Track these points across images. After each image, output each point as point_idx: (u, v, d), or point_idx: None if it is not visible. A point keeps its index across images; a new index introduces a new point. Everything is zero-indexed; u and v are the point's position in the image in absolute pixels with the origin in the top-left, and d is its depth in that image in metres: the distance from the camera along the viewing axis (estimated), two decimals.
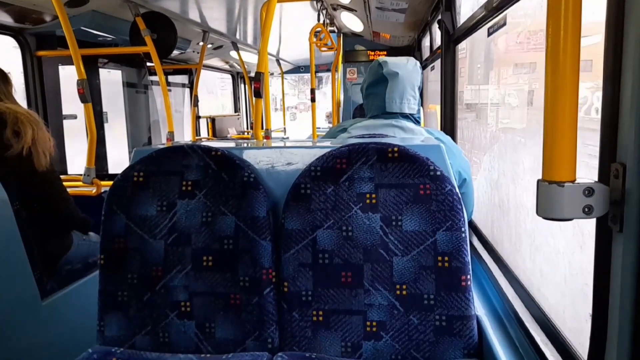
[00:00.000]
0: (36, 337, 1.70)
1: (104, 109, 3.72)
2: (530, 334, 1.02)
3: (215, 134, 5.88)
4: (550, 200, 0.65)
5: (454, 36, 2.41)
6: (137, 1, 2.94)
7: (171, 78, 5.55)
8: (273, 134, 4.57)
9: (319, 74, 7.16)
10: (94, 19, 2.99)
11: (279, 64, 6.85)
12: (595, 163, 0.70)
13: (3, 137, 1.65)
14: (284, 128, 7.22)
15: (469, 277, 1.07)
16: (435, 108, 3.63)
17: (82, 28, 2.99)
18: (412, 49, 5.65)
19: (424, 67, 4.49)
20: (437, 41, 3.26)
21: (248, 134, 6.50)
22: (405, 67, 1.54)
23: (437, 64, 3.17)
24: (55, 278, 1.85)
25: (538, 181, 0.66)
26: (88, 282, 1.95)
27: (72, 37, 2.43)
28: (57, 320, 1.80)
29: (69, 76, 3.28)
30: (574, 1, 0.61)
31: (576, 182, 0.64)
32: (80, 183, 2.49)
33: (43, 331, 1.73)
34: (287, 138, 6.66)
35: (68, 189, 1.94)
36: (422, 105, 1.62)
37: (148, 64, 4.08)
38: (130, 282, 1.18)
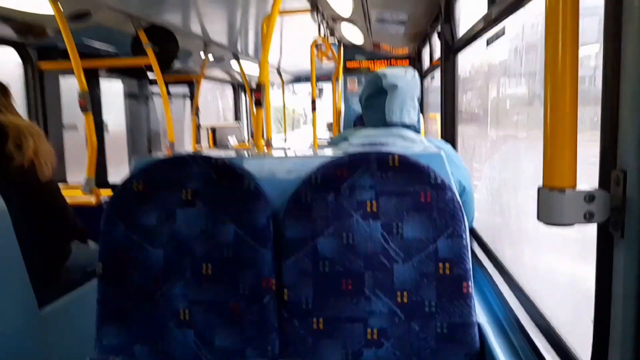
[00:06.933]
0: (34, 346, 1.69)
1: (104, 119, 3.74)
2: (532, 341, 1.01)
3: (215, 143, 5.89)
4: (551, 207, 0.65)
5: (454, 47, 2.43)
6: (139, 15, 2.96)
7: (172, 88, 5.56)
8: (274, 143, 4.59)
9: (320, 84, 7.20)
10: (97, 32, 3.01)
11: (280, 75, 6.89)
12: None
13: (5, 149, 1.65)
14: (285, 137, 7.25)
15: (470, 284, 1.07)
16: (435, 116, 3.67)
17: (84, 42, 3.01)
18: (412, 60, 5.69)
19: (424, 77, 4.52)
20: (437, 52, 3.28)
21: (249, 143, 6.53)
22: (404, 78, 1.54)
23: (437, 74, 3.20)
24: (53, 287, 1.84)
25: (539, 188, 0.66)
26: (86, 291, 1.94)
27: (74, 50, 2.44)
28: (55, 330, 1.79)
29: (69, 86, 3.30)
30: (572, 9, 0.62)
31: (577, 188, 0.64)
32: (79, 192, 2.49)
33: (41, 340, 1.72)
34: (288, 148, 6.68)
35: (67, 199, 1.94)
36: (422, 113, 1.62)
37: (149, 74, 4.10)
38: (129, 291, 1.17)
